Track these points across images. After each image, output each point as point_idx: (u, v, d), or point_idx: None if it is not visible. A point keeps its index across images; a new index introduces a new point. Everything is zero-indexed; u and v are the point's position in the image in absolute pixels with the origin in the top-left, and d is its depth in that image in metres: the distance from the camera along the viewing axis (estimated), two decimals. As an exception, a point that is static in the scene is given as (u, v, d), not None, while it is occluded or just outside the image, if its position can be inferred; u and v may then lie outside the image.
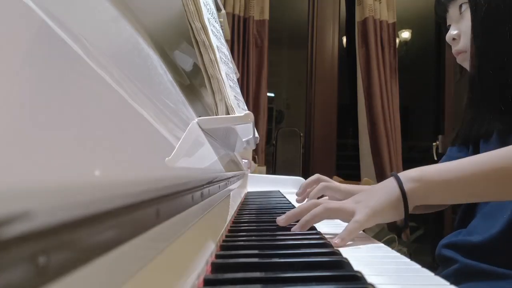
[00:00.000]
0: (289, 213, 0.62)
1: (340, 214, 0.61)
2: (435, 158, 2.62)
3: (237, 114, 0.56)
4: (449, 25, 0.85)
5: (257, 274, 0.35)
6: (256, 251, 0.45)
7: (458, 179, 0.59)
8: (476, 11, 0.74)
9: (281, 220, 0.61)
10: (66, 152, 0.16)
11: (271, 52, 2.59)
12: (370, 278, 0.34)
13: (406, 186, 0.59)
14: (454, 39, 0.83)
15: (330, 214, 0.60)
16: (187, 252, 0.34)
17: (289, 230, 0.58)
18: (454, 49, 0.83)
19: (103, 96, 0.24)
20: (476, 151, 0.83)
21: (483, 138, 0.81)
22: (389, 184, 0.60)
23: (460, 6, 0.81)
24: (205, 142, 0.49)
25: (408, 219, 0.59)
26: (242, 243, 0.49)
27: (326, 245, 0.47)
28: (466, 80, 0.89)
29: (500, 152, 0.59)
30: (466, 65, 0.82)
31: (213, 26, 0.65)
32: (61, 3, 0.27)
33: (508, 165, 0.58)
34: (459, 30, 0.81)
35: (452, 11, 0.83)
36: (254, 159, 2.05)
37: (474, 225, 0.77)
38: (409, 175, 0.60)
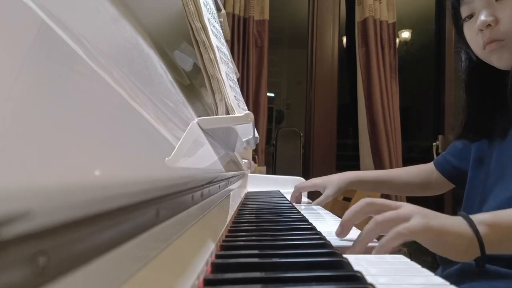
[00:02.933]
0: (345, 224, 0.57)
1: (395, 219, 0.52)
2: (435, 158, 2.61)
3: (237, 114, 0.56)
4: (469, 16, 0.79)
5: (257, 274, 0.35)
6: (256, 251, 0.45)
7: None
8: None
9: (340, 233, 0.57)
10: (66, 152, 0.16)
11: (271, 52, 2.59)
12: (370, 278, 0.34)
13: (479, 229, 0.52)
14: (488, 25, 0.75)
15: (383, 228, 0.52)
16: (187, 252, 0.34)
17: (289, 231, 0.58)
18: (488, 37, 0.75)
19: (103, 96, 0.24)
20: (492, 147, 0.81)
21: (501, 137, 0.79)
22: (455, 218, 0.54)
23: None
24: (205, 142, 0.49)
25: (485, 263, 0.52)
26: (242, 243, 0.49)
27: (326, 245, 0.47)
28: (462, 70, 0.86)
29: None
30: (496, 55, 0.76)
31: (213, 26, 0.65)
32: (61, 3, 0.27)
33: None
34: (494, 16, 0.75)
35: None
36: (254, 159, 2.05)
37: None
38: (480, 217, 0.54)
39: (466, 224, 0.52)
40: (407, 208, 0.53)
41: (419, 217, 0.51)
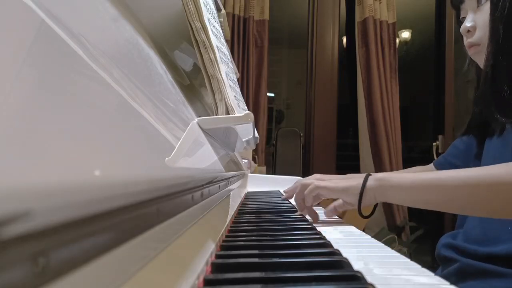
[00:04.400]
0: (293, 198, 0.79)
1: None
2: (435, 158, 2.61)
3: (237, 114, 0.56)
4: (463, 18, 0.83)
5: (257, 274, 0.35)
6: (256, 251, 0.45)
7: (412, 186, 0.67)
8: (497, 5, 0.73)
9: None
10: (66, 152, 0.16)
11: (271, 52, 2.59)
12: (370, 278, 0.34)
13: (369, 183, 0.70)
14: (468, 31, 0.80)
15: (309, 192, 0.75)
16: (187, 252, 0.34)
17: (289, 231, 0.58)
18: (468, 41, 0.81)
19: (103, 96, 0.24)
20: (481, 147, 0.83)
21: (491, 134, 0.81)
22: (359, 177, 0.72)
23: None
24: (205, 142, 0.49)
25: (374, 209, 0.74)
26: (242, 243, 0.49)
27: (326, 245, 0.47)
28: (472, 73, 0.88)
29: (459, 173, 0.64)
30: (478, 58, 0.81)
31: (213, 26, 0.65)
32: (61, 3, 0.27)
33: (464, 184, 0.63)
34: (475, 22, 0.79)
35: (469, 2, 0.81)
36: (254, 159, 2.05)
37: (469, 229, 0.77)
38: (375, 175, 0.71)
39: (361, 179, 0.71)
40: (327, 177, 0.77)
41: (329, 182, 0.74)
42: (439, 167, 1.00)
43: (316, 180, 0.77)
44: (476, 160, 0.85)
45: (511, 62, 0.71)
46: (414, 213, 2.57)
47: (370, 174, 0.72)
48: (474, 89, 0.88)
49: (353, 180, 0.72)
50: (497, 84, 0.73)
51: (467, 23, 0.80)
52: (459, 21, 0.85)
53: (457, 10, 0.86)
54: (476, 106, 0.85)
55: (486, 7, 0.76)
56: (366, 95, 2.54)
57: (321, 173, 1.10)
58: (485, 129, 0.84)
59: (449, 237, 0.81)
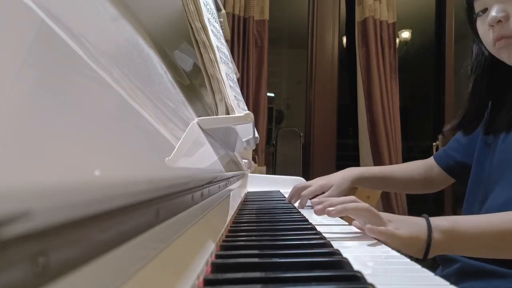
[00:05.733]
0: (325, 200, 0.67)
1: (374, 220, 0.62)
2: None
3: (237, 114, 0.56)
4: (483, 10, 0.77)
5: (257, 274, 0.35)
6: (256, 251, 0.45)
7: (486, 237, 0.62)
8: None
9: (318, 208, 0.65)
10: (66, 152, 0.16)
11: (271, 52, 2.59)
12: (370, 278, 0.34)
13: (435, 235, 0.60)
14: (499, 21, 0.73)
15: (368, 214, 0.63)
16: (187, 252, 0.34)
17: (289, 231, 0.58)
18: (498, 33, 0.74)
19: (103, 96, 0.24)
20: (495, 142, 0.81)
21: (495, 131, 0.79)
22: (421, 225, 0.62)
23: None
24: (205, 142, 0.49)
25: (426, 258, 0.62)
26: (242, 243, 0.49)
27: (326, 245, 0.47)
28: (470, 66, 0.85)
29: None
30: (506, 52, 0.75)
31: (213, 26, 0.65)
32: (61, 3, 0.27)
33: None
34: (507, 12, 0.73)
35: None
36: (254, 159, 2.05)
37: None
38: (440, 224, 0.62)
39: (425, 229, 0.61)
40: (386, 214, 0.64)
41: (392, 226, 0.61)
42: (440, 160, 0.99)
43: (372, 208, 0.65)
44: (484, 160, 0.83)
45: None
46: (414, 212, 2.57)
47: (428, 220, 0.63)
48: (472, 83, 0.84)
49: (412, 226, 0.62)
50: None
51: (497, 13, 0.73)
52: (471, 16, 0.80)
53: (470, 4, 0.80)
54: (470, 101, 0.83)
55: None
56: (366, 95, 2.54)
57: (321, 173, 1.10)
58: (477, 126, 0.83)
59: None
